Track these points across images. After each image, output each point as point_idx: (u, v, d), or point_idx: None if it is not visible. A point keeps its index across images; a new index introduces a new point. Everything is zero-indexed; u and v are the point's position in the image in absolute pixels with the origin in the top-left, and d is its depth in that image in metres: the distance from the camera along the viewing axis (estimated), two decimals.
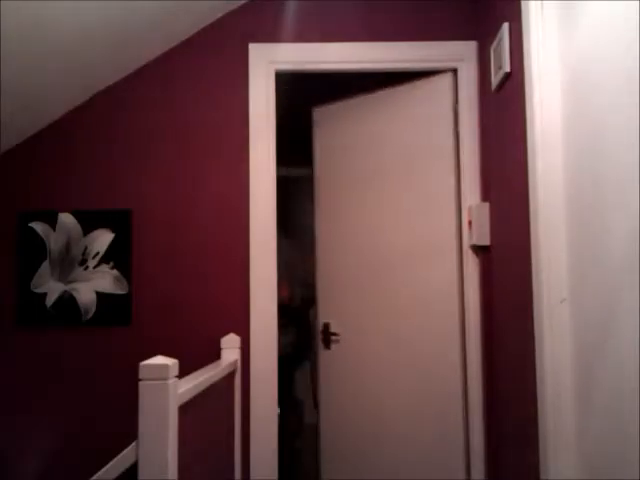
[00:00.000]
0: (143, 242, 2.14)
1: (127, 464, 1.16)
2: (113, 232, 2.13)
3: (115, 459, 1.19)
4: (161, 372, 1.16)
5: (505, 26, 1.69)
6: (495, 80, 1.82)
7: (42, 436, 2.05)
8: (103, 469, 1.20)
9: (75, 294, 2.12)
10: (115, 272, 2.12)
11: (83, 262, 2.13)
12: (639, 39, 1.01)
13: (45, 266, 2.13)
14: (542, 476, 1.37)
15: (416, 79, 2.27)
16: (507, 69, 1.68)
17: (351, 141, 2.46)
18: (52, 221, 2.14)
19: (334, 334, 2.42)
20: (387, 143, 2.39)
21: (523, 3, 1.49)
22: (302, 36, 2.16)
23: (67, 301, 2.12)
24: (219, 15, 2.18)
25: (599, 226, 1.18)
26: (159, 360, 1.18)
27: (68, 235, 2.14)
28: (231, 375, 2.00)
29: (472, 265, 2.08)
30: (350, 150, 2.45)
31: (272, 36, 2.16)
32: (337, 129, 2.51)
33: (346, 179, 2.45)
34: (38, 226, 2.14)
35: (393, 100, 2.36)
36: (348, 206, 2.43)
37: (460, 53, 2.14)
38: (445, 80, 2.20)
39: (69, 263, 2.13)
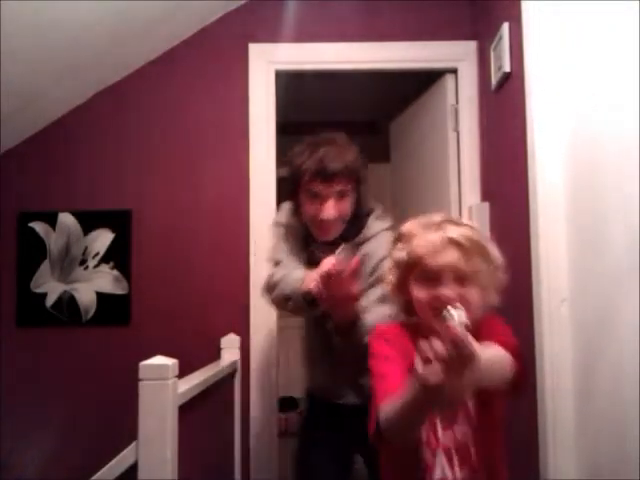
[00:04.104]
0: (143, 242, 2.13)
1: (127, 464, 1.16)
2: (113, 232, 2.13)
3: (115, 459, 1.19)
4: (161, 372, 1.16)
5: (505, 26, 1.69)
6: (495, 80, 1.82)
7: (42, 436, 2.05)
8: (103, 469, 1.20)
9: (75, 294, 2.12)
10: (115, 272, 2.12)
11: (83, 262, 2.13)
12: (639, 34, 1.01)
13: (45, 266, 2.13)
14: (542, 476, 1.37)
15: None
16: (507, 69, 1.68)
17: None
18: (52, 221, 2.14)
19: None
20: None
21: (523, 3, 1.49)
22: (302, 36, 2.16)
23: (67, 301, 2.12)
24: (219, 15, 2.18)
25: (599, 226, 1.18)
26: (159, 360, 1.18)
27: (68, 235, 2.14)
28: (231, 375, 2.00)
29: None
30: None
31: (272, 36, 2.16)
32: None
33: None
34: (38, 226, 2.14)
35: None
36: None
37: (460, 53, 2.14)
38: (445, 80, 2.20)
39: (69, 263, 2.13)
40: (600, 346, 1.19)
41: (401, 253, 1.04)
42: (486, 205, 1.98)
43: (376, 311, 1.29)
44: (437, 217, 1.05)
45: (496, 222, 1.90)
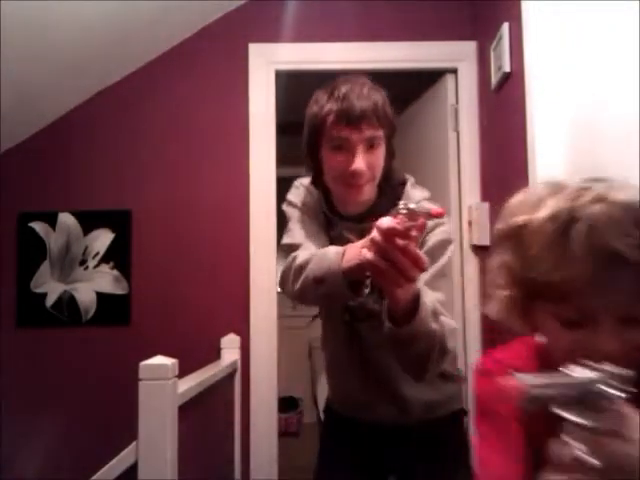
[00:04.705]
0: (143, 242, 2.13)
1: (127, 464, 1.16)
2: (113, 232, 2.13)
3: (115, 459, 1.19)
4: (161, 372, 1.16)
5: (505, 26, 1.69)
6: (495, 80, 1.82)
7: (42, 436, 2.05)
8: (103, 469, 1.20)
9: (75, 294, 2.12)
10: (115, 272, 2.12)
11: (83, 262, 2.13)
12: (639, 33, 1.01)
13: (45, 266, 2.13)
14: None
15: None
16: (507, 69, 1.68)
17: None
18: (52, 221, 2.14)
19: None
20: None
21: (523, 3, 1.49)
22: (302, 36, 2.16)
23: (67, 301, 2.12)
24: (219, 15, 2.18)
25: None
26: (159, 360, 1.18)
27: (68, 235, 2.14)
28: (231, 375, 2.00)
29: (472, 265, 2.08)
30: None
31: (272, 36, 2.16)
32: None
33: None
34: (38, 226, 2.14)
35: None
36: None
37: (460, 53, 2.14)
38: (445, 80, 2.20)
39: (69, 263, 2.13)
40: None
41: (517, 263, 0.64)
42: (486, 205, 1.98)
43: (427, 296, 0.95)
44: (585, 196, 0.58)
45: (496, 222, 1.90)
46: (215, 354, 2.02)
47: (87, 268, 2.13)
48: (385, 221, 0.77)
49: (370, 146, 1.08)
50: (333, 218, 1.19)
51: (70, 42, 1.83)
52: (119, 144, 2.17)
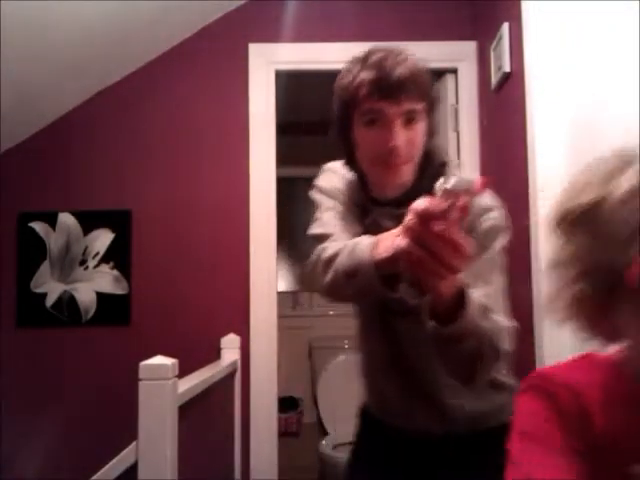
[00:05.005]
0: (143, 242, 2.13)
1: (127, 464, 1.16)
2: (113, 232, 2.13)
3: (115, 459, 1.19)
4: (161, 372, 1.16)
5: (505, 26, 1.69)
6: (495, 80, 1.82)
7: (42, 436, 2.05)
8: (103, 469, 1.20)
9: (75, 294, 2.12)
10: (115, 272, 2.12)
11: (83, 262, 2.13)
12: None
13: (45, 266, 2.13)
14: None
15: None
16: (507, 69, 1.68)
17: None
18: (52, 221, 2.14)
19: None
20: None
21: (523, 3, 1.49)
22: (302, 36, 2.16)
23: (67, 301, 2.12)
24: (219, 15, 2.18)
25: None
26: (159, 360, 1.18)
27: (68, 235, 2.14)
28: (231, 375, 2.00)
29: None
30: None
31: (272, 36, 2.16)
32: None
33: None
34: (38, 226, 2.14)
35: None
36: None
37: (460, 53, 2.14)
38: (445, 80, 2.19)
39: (69, 263, 2.13)
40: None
41: (592, 251, 0.53)
42: None
43: (475, 290, 0.84)
44: None
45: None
46: (215, 354, 2.02)
47: (87, 268, 2.13)
48: (420, 203, 0.65)
49: (409, 121, 0.94)
50: (367, 204, 1.06)
51: (70, 42, 1.83)
52: (119, 144, 2.17)
